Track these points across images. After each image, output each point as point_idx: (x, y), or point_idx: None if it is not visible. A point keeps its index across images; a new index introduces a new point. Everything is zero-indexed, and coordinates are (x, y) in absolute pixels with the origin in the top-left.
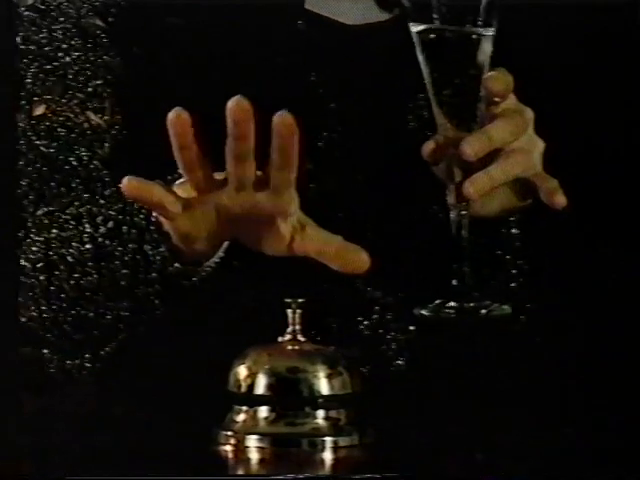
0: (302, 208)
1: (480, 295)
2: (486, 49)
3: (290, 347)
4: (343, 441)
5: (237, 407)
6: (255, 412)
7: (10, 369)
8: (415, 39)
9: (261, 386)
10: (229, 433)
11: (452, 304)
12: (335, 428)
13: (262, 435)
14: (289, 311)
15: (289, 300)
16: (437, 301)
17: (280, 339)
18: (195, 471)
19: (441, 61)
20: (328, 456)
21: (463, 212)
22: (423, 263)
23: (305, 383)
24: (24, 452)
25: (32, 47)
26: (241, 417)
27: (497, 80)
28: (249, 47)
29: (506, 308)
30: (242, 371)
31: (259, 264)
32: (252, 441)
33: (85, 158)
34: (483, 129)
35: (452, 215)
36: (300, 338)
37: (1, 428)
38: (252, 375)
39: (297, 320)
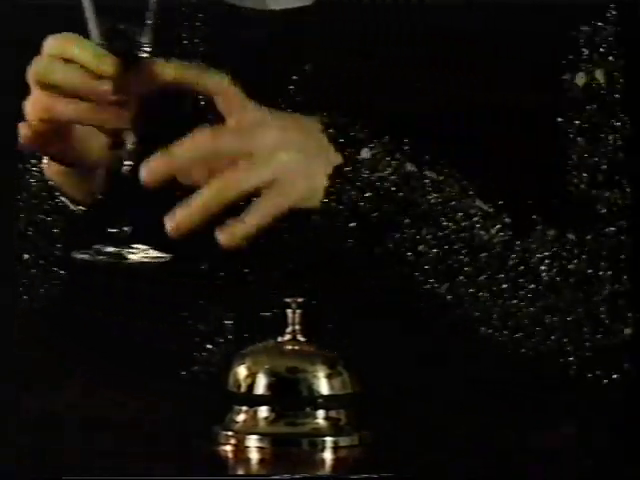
0: None
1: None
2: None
3: (290, 347)
4: (343, 441)
5: (237, 407)
6: (255, 412)
7: (10, 369)
8: None
9: (261, 386)
10: (229, 433)
11: (109, 249)
12: (335, 428)
13: (262, 435)
14: (289, 311)
15: (289, 300)
16: (95, 245)
17: (280, 339)
18: (195, 471)
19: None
20: (328, 456)
21: (127, 165)
22: None
23: (305, 383)
24: (24, 452)
25: None
26: (241, 417)
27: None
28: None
29: (165, 256)
30: (242, 371)
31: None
32: (252, 441)
33: None
34: (167, 149)
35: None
36: (300, 338)
37: (1, 428)
38: (252, 375)
39: (297, 320)
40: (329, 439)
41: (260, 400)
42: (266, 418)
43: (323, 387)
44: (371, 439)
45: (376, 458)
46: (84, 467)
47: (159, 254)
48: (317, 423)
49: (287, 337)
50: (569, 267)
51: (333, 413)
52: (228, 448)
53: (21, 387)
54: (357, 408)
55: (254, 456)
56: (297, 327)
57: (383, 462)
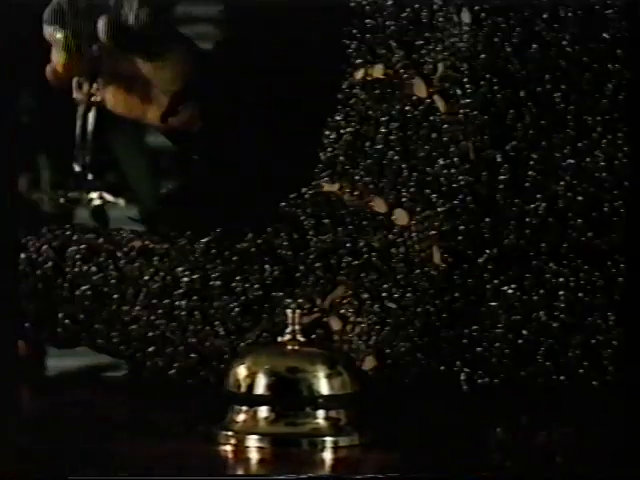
0: None
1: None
2: None
3: (290, 347)
4: (343, 441)
5: (237, 407)
6: (255, 412)
7: (10, 369)
8: None
9: (261, 386)
10: (229, 433)
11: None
12: (335, 428)
13: (262, 435)
14: (289, 311)
15: (289, 300)
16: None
17: (280, 339)
18: (195, 471)
19: None
20: (328, 456)
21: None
22: None
23: (305, 383)
24: (24, 452)
25: None
26: (241, 417)
27: None
28: None
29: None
30: (242, 371)
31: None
32: (252, 441)
33: None
34: None
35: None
36: (300, 338)
37: (1, 428)
38: (252, 375)
39: (297, 320)
40: (329, 439)
41: (260, 400)
42: (266, 418)
43: (323, 387)
44: (371, 439)
45: (376, 458)
46: (84, 467)
47: (113, 199)
48: (317, 423)
49: (287, 337)
50: None
51: (333, 413)
52: (228, 448)
53: (21, 387)
54: (357, 408)
55: (254, 456)
56: (297, 327)
57: (383, 462)
